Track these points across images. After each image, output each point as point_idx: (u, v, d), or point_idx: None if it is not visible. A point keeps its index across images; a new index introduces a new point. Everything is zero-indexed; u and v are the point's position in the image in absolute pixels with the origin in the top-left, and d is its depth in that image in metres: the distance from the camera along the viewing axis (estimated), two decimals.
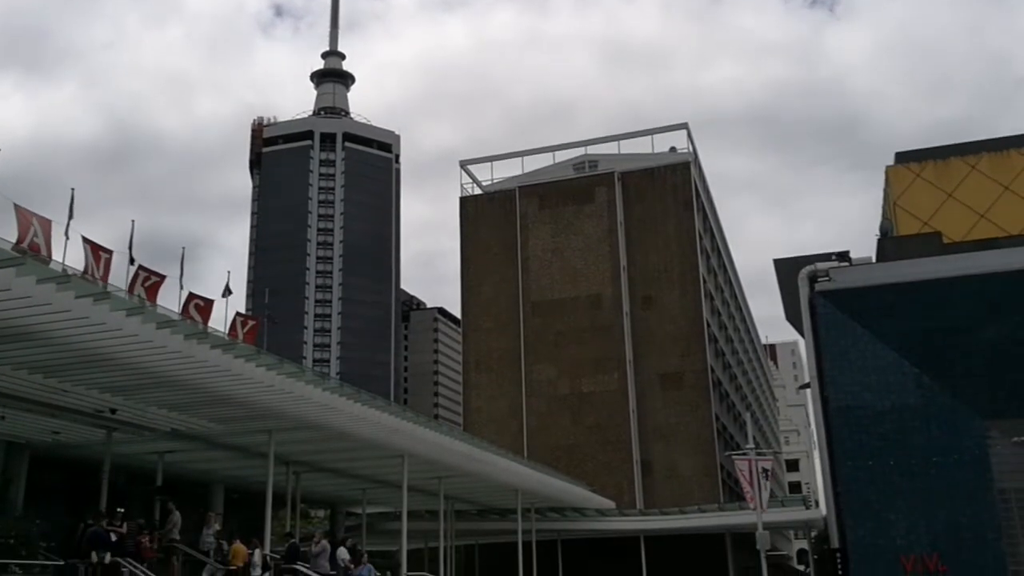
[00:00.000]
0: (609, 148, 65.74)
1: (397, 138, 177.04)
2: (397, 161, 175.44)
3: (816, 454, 52.56)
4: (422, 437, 27.69)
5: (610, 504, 47.17)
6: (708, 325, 57.92)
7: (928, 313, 43.10)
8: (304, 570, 22.65)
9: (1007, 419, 38.54)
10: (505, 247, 61.95)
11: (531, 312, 59.68)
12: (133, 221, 19.30)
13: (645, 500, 52.56)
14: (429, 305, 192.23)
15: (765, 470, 35.86)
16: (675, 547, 43.63)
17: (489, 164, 68.21)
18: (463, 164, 67.94)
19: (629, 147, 65.13)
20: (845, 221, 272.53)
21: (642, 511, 48.98)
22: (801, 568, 72.11)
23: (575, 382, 57.20)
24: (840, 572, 41.86)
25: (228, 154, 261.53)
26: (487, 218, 63.87)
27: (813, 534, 49.39)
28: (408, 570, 30.17)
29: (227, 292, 23.03)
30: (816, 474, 70.66)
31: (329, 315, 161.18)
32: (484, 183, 67.82)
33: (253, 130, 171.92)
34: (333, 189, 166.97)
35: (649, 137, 64.68)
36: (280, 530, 32.59)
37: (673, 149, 65.29)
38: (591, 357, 57.21)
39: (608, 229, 60.19)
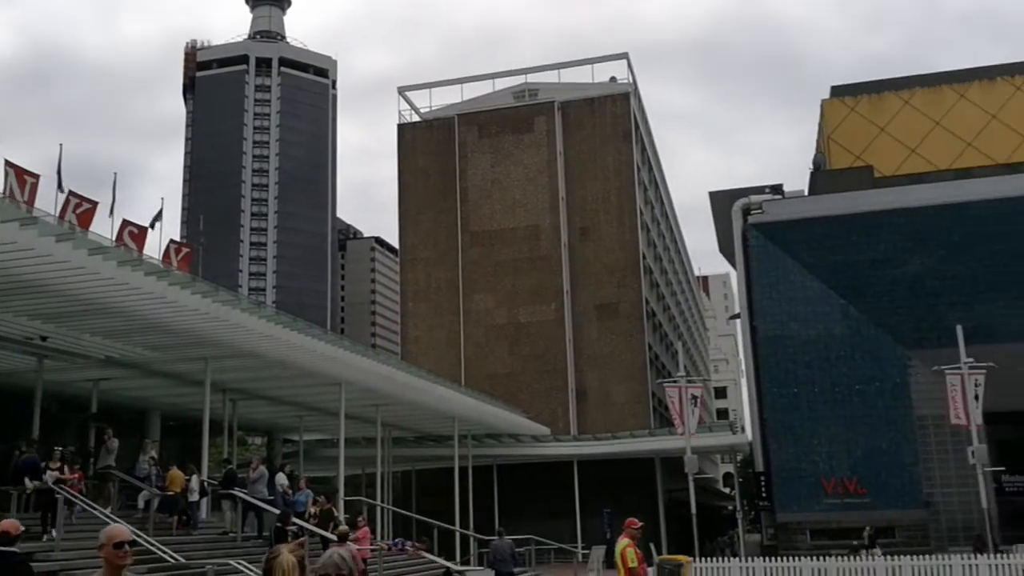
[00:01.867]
0: (549, 77, 65.26)
1: (334, 63, 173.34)
2: (334, 87, 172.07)
3: (744, 382, 54.11)
4: (359, 366, 27.85)
5: (545, 430, 48.10)
6: (644, 257, 58.61)
7: (856, 245, 44.42)
8: (242, 495, 22.83)
9: (928, 349, 40.16)
10: (443, 176, 61.51)
11: (469, 242, 59.63)
12: (61, 145, 18.87)
13: (579, 426, 53.64)
14: (366, 234, 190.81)
15: (694, 397, 36.85)
16: (607, 471, 44.85)
17: (428, 91, 67.27)
18: (401, 90, 66.96)
19: (569, 76, 64.75)
20: (782, 154, 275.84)
21: (576, 437, 50.06)
22: (727, 491, 74.69)
23: (512, 312, 57.62)
24: (764, 494, 43.66)
25: (159, 78, 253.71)
26: (425, 146, 63.20)
27: (739, 458, 51.20)
28: (346, 495, 30.56)
29: (157, 219, 22.70)
30: (743, 401, 72.63)
31: (265, 244, 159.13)
32: (422, 110, 66.98)
33: (186, 53, 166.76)
34: (269, 115, 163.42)
35: (589, 67, 64.43)
36: (217, 457, 32.74)
37: (613, 79, 65.04)
38: (529, 287, 57.59)
39: (547, 159, 60.08)
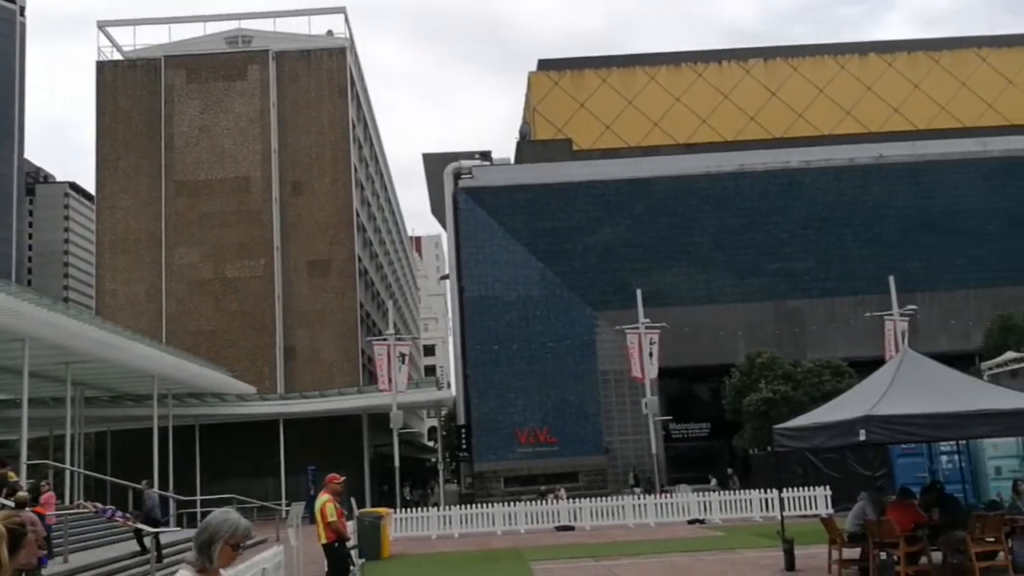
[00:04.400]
0: (264, 25, 63.40)
1: None
2: (22, 14, 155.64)
3: (451, 340, 56.31)
4: (46, 320, 26.18)
5: (251, 389, 47.45)
6: (357, 214, 58.87)
7: (555, 213, 47.55)
8: None
9: (612, 310, 44.09)
10: (147, 120, 58.10)
11: (175, 192, 56.92)
12: None
13: (287, 385, 53.33)
14: (59, 179, 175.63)
15: (402, 354, 38.00)
16: (314, 428, 45.14)
17: (132, 28, 63.12)
18: (101, 25, 62.17)
19: (285, 26, 63.26)
20: (497, 120, 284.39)
21: (283, 395, 49.77)
22: (431, 444, 77.45)
23: (219, 267, 55.88)
24: (464, 445, 46.03)
25: None
26: (128, 87, 59.29)
27: (444, 412, 53.30)
28: (30, 459, 28.74)
29: None
30: (450, 358, 75.43)
31: None
32: (125, 49, 62.66)
33: None
34: None
35: (306, 18, 63.33)
36: None
37: (330, 33, 64.32)
38: (237, 241, 56.05)
39: (260, 109, 58.49)
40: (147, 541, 20.30)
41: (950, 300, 46.13)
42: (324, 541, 13.84)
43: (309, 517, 17.06)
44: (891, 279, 36.43)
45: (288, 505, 40.63)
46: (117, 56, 62.06)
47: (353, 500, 25.32)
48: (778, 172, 48.14)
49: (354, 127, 60.80)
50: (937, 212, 47.82)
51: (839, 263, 46.93)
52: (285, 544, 16.70)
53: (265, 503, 39.96)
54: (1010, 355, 33.07)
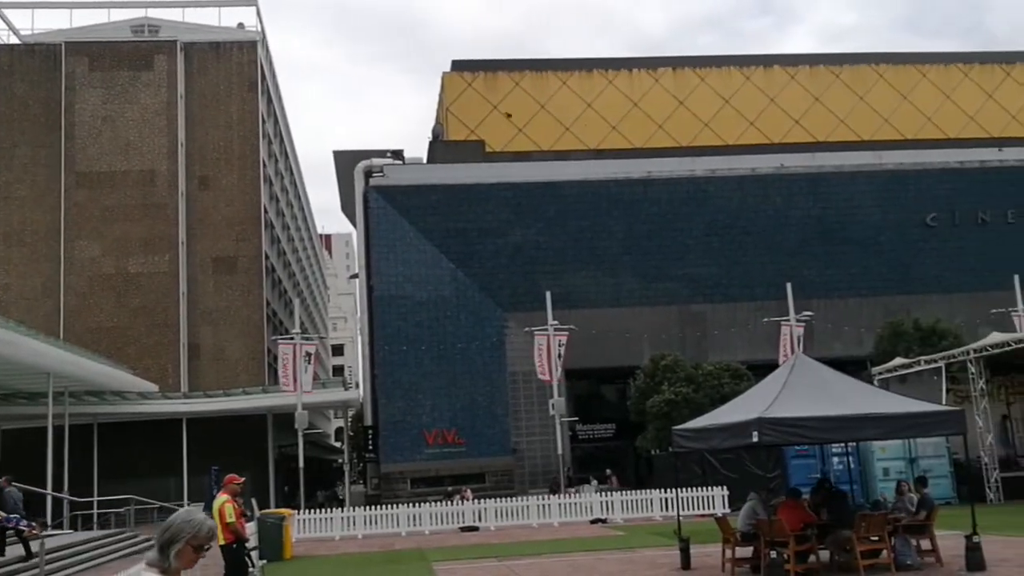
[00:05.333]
0: (173, 15, 62.05)
1: None
2: None
3: (359, 339, 55.97)
4: None
5: (152, 387, 46.33)
6: (265, 211, 58.02)
7: (466, 214, 47.68)
8: None
9: (522, 312, 44.40)
10: (47, 108, 56.16)
11: (75, 183, 55.16)
12: None
13: (190, 383, 52.23)
14: None
15: (308, 354, 37.68)
16: (218, 428, 44.31)
17: (30, 11, 61.10)
18: None
19: (194, 17, 62.00)
20: (411, 119, 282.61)
21: (186, 394, 48.69)
22: (338, 445, 76.81)
23: (121, 262, 54.38)
24: (371, 447, 45.81)
25: None
26: (25, 72, 57.19)
27: (351, 413, 52.93)
28: None
29: None
30: (359, 358, 74.95)
31: None
32: (23, 32, 60.55)
33: None
34: None
35: (217, 10, 62.16)
36: None
37: (241, 26, 63.26)
38: (141, 236, 54.63)
39: (167, 101, 57.11)
40: (34, 546, 19.74)
41: (844, 307, 47.88)
42: (222, 542, 13.74)
43: None
44: (788, 286, 37.63)
45: (188, 506, 39.93)
46: (14, 40, 59.94)
47: (254, 501, 25.04)
48: (684, 180, 49.21)
49: (264, 122, 59.94)
50: (833, 222, 49.55)
51: (740, 269, 48.22)
52: None
53: (166, 504, 39.11)
54: (899, 361, 34.54)
